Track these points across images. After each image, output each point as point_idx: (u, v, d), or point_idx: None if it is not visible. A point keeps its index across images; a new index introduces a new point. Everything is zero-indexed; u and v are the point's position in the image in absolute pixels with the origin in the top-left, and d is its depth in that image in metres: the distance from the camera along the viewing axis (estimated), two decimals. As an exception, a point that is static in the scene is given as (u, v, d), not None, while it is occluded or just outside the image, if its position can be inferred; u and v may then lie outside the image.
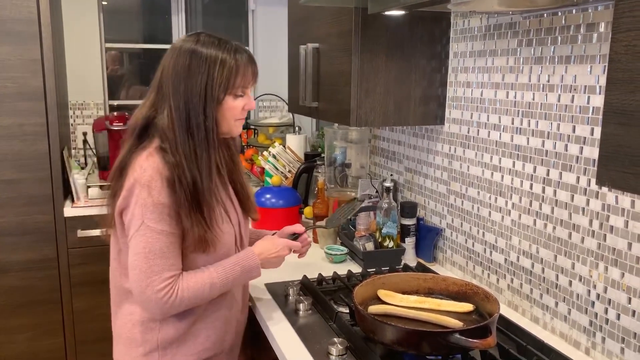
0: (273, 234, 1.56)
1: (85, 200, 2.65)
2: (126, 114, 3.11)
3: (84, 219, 2.58)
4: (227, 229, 1.37)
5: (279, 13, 3.58)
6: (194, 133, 1.27)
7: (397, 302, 1.36)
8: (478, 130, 1.67)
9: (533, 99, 1.45)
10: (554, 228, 1.41)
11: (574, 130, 1.33)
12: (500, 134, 1.58)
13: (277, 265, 1.49)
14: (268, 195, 2.23)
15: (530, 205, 1.48)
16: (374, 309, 1.33)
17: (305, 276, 1.69)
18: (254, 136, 3.44)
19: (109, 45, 3.43)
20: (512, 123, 1.53)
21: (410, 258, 1.90)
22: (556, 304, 1.41)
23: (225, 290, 1.37)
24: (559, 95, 1.37)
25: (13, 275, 2.55)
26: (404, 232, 1.91)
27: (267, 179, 2.53)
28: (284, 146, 2.75)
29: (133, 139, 1.32)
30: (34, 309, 2.60)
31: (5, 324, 2.56)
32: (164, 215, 1.24)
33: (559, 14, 1.35)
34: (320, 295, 1.55)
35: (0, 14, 2.38)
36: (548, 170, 1.41)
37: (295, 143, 2.81)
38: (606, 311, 1.27)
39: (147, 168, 1.25)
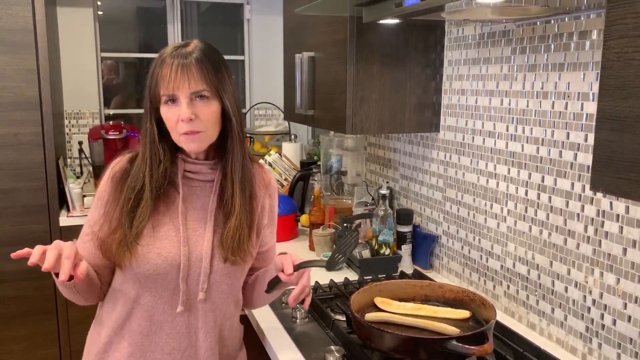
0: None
1: (81, 210, 2.64)
2: (122, 122, 3.12)
3: (80, 228, 2.52)
4: (155, 248, 1.21)
5: (274, 22, 3.60)
6: (145, 139, 1.23)
7: (393, 310, 1.36)
8: (473, 137, 1.67)
9: (527, 106, 1.46)
10: (550, 234, 1.41)
11: (568, 137, 1.34)
12: (495, 140, 1.58)
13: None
14: (264, 204, 2.23)
15: (526, 211, 1.48)
16: (370, 316, 1.32)
17: (301, 284, 1.68)
18: (250, 144, 3.45)
19: (104, 54, 3.43)
20: (507, 130, 1.53)
21: (406, 265, 1.90)
22: (552, 310, 1.42)
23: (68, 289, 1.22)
24: (553, 102, 1.38)
25: (8, 285, 2.54)
26: (400, 239, 1.92)
27: (263, 187, 2.53)
28: (280, 154, 2.76)
29: None
30: (29, 320, 2.58)
31: (0, 334, 2.55)
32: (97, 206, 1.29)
33: (552, 22, 1.37)
34: (317, 303, 1.55)
35: (-4, 24, 2.39)
36: (543, 177, 1.42)
37: (291, 151, 2.82)
38: (602, 317, 1.27)
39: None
